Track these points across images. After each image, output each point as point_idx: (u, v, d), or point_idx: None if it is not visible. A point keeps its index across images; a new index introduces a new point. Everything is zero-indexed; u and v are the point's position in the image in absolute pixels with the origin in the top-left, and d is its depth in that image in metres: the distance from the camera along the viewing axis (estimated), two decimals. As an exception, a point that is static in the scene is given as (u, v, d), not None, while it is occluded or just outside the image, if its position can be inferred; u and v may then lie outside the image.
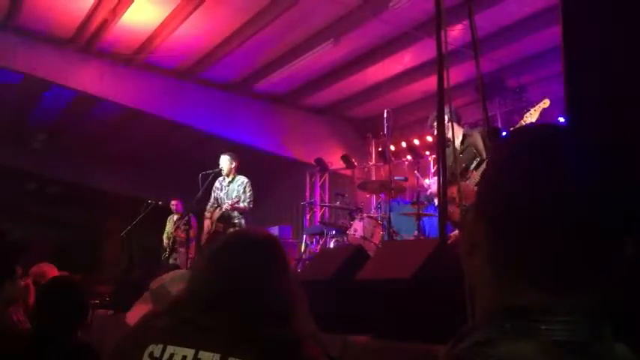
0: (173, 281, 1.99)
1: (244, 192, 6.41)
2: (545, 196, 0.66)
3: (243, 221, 6.41)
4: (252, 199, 6.41)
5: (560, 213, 0.65)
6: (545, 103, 4.31)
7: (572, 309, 0.65)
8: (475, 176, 4.34)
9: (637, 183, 0.69)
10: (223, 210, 6.31)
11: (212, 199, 6.62)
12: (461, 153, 4.39)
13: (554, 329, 0.64)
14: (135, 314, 2.00)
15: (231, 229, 6.08)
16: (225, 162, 6.49)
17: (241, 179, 6.51)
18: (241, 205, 6.34)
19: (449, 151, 4.55)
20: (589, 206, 0.66)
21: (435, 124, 4.45)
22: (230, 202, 6.29)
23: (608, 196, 0.67)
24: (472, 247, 0.73)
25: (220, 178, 6.60)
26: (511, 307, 0.67)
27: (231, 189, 6.48)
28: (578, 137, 0.72)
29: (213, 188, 6.62)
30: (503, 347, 0.63)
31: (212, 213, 6.48)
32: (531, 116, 4.35)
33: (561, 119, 7.42)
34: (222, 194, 6.55)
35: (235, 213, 6.38)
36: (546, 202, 0.66)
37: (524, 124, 4.23)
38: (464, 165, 4.41)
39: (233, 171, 6.52)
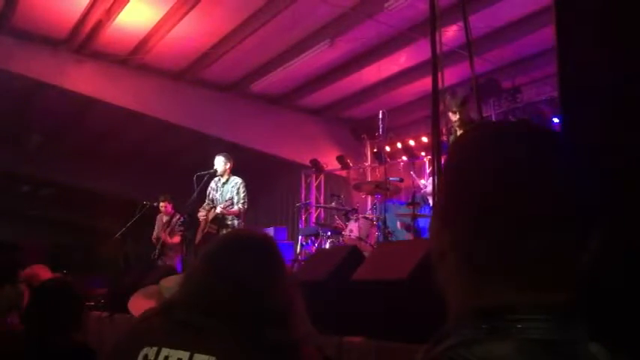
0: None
1: (238, 193, 6.37)
2: (518, 195, 0.66)
3: (236, 222, 6.37)
4: (246, 200, 6.38)
5: (536, 212, 0.65)
6: None
7: (548, 308, 0.64)
8: None
9: (620, 185, 0.69)
10: (216, 213, 6.27)
11: (208, 200, 6.60)
12: None
13: (531, 328, 0.63)
14: (137, 306, 1.97)
15: (224, 231, 6.06)
16: (219, 163, 6.45)
17: (235, 180, 6.48)
18: (235, 207, 6.31)
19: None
20: (564, 205, 0.66)
21: (460, 102, 4.47)
22: (222, 205, 6.26)
23: (586, 195, 0.67)
24: (441, 255, 0.72)
25: (216, 179, 6.57)
26: (487, 308, 0.66)
27: (226, 190, 6.45)
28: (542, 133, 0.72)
29: (209, 189, 6.60)
30: (480, 348, 0.63)
31: (208, 212, 6.45)
32: None
33: (556, 120, 7.47)
34: (217, 195, 6.53)
35: (229, 215, 6.36)
36: (519, 201, 0.66)
37: None
38: None
39: (228, 171, 6.49)
